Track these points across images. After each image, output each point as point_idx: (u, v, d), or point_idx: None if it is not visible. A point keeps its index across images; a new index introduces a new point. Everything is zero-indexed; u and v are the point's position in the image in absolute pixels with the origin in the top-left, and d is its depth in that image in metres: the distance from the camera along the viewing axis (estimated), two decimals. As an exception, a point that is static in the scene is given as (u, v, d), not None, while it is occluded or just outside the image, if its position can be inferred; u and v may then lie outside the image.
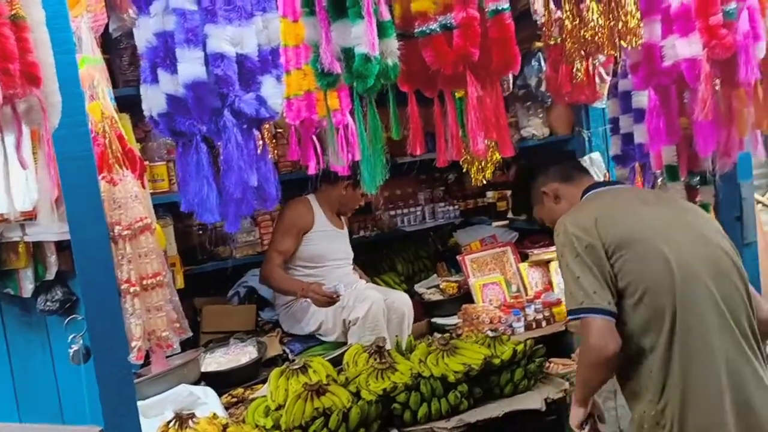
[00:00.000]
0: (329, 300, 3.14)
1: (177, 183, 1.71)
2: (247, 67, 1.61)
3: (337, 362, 2.84)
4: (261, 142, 1.83)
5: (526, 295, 3.80)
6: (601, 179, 3.64)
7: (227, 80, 1.59)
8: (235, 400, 2.79)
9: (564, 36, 1.49)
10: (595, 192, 2.01)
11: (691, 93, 1.84)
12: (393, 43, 1.51)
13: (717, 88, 1.89)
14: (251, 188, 1.64)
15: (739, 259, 1.88)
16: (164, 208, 3.21)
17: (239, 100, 1.62)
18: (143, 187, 2.12)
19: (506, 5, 1.56)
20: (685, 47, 1.68)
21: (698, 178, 2.90)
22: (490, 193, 4.51)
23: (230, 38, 1.59)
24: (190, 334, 2.29)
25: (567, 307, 1.83)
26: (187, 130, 1.63)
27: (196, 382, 2.79)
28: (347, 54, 1.49)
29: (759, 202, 4.88)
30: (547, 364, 2.90)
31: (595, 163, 3.86)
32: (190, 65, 1.57)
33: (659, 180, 3.10)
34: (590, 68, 2.42)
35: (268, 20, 1.65)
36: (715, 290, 1.74)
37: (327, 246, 3.52)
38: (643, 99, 2.82)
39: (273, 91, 1.65)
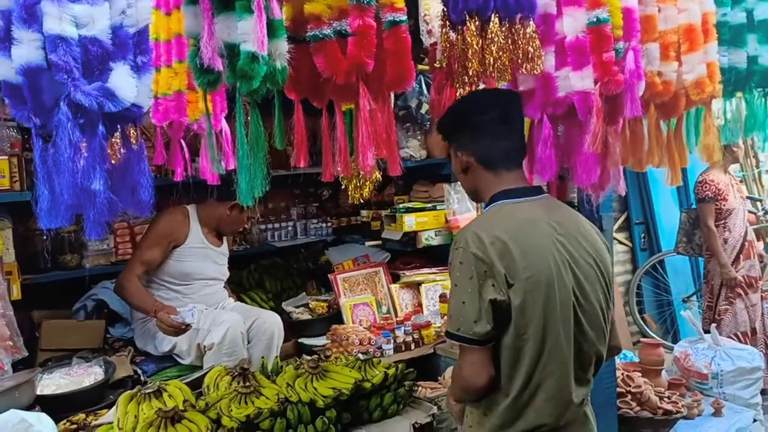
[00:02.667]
0: (176, 330, 2.92)
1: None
2: (93, 53, 1.41)
3: (196, 385, 2.62)
4: (136, 140, 1.63)
5: (396, 316, 3.79)
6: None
7: (64, 67, 1.39)
8: (74, 427, 2.49)
9: (470, 56, 1.44)
10: (506, 205, 1.71)
11: (574, 126, 1.88)
12: (283, 45, 1.40)
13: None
14: (96, 193, 1.43)
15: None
16: (3, 208, 2.90)
17: (76, 90, 1.41)
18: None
19: (404, 17, 1.50)
20: (578, 80, 1.71)
21: (565, 208, 3.03)
22: (364, 212, 4.48)
23: (74, 18, 1.40)
24: (26, 353, 2.09)
25: (447, 325, 1.70)
26: (21, 121, 1.42)
27: (30, 407, 2.48)
28: (231, 50, 1.36)
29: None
30: (416, 388, 2.87)
31: (468, 188, 3.95)
32: (25, 48, 1.39)
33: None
34: (474, 93, 2.44)
35: (135, -1, 1.46)
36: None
37: (197, 264, 3.29)
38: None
39: (126, 81, 1.45)
